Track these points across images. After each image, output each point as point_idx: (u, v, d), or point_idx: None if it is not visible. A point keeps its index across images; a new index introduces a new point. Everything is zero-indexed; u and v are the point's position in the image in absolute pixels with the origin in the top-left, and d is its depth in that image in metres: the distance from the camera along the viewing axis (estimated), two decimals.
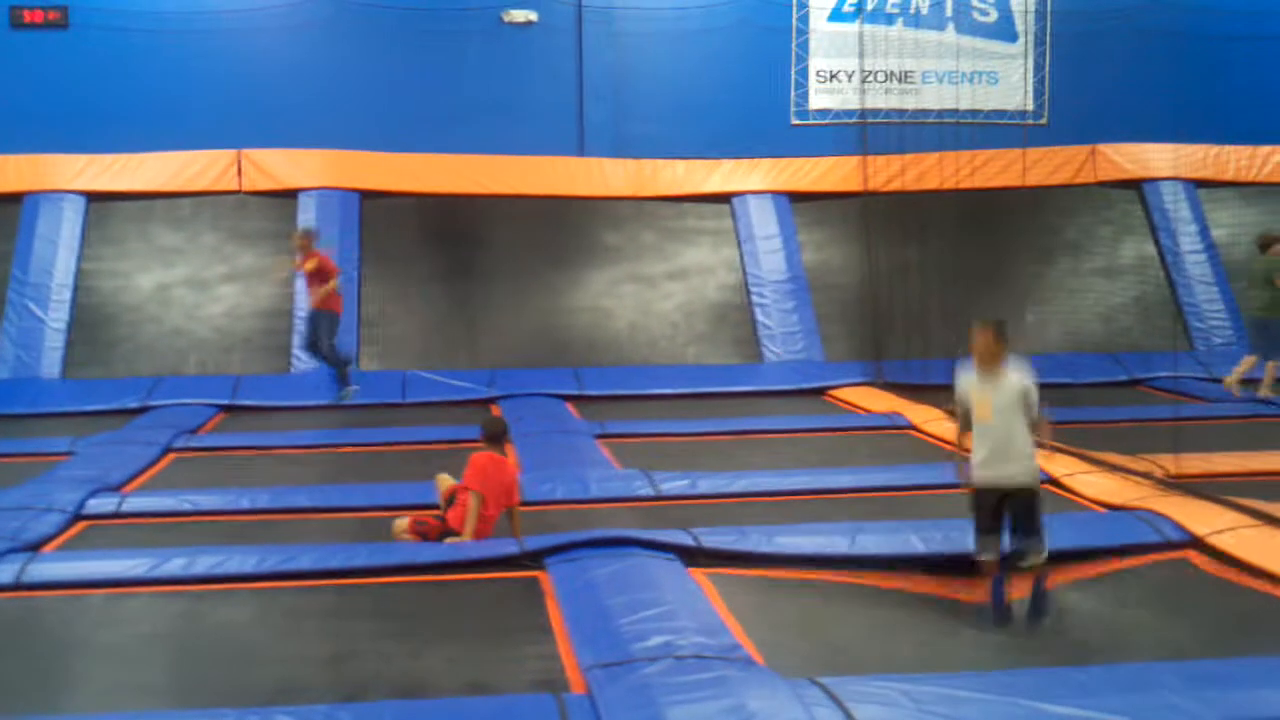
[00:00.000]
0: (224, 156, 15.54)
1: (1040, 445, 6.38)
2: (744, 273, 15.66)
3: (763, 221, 15.94)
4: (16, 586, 6.44)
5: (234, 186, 15.56)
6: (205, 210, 15.47)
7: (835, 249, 16.08)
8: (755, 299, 15.42)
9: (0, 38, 15.67)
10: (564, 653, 5.45)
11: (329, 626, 5.95)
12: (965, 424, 6.35)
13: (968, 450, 6.32)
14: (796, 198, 16.25)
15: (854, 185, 15.96)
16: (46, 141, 15.33)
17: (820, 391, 13.84)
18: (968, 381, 6.29)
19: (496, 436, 7.63)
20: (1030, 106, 17.05)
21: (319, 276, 13.05)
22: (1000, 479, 6.15)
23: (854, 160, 16.11)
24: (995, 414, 6.14)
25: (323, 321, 13.12)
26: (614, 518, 7.76)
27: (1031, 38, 17.05)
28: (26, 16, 15.70)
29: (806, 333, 15.16)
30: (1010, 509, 6.16)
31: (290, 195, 15.53)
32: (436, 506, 7.65)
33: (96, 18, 15.72)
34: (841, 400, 13.36)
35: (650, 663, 5.01)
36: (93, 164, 15.40)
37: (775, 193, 16.19)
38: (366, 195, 15.67)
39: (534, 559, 6.71)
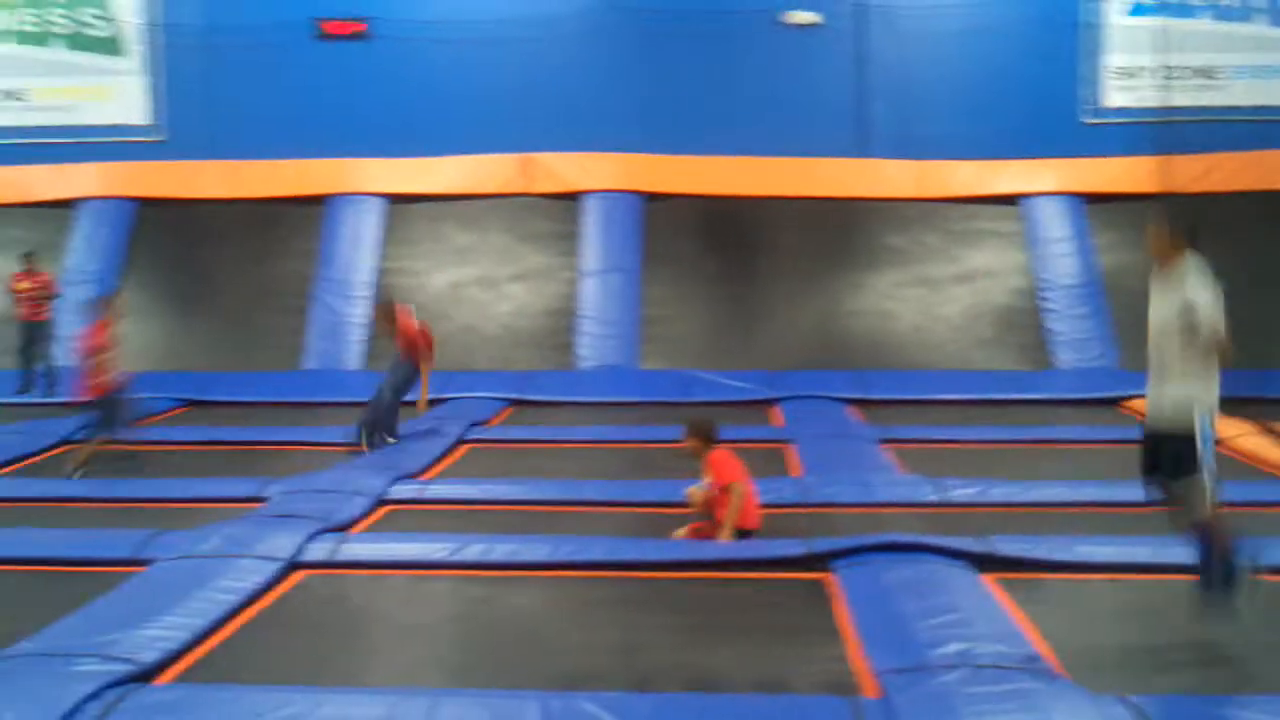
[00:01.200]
0: (512, 160, 16.07)
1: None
2: (1033, 276, 15.09)
3: (1054, 223, 15.33)
4: (328, 565, 6.82)
5: (522, 189, 16.07)
6: (495, 211, 16.04)
7: (1132, 252, 15.26)
8: (1045, 304, 14.85)
9: (306, 48, 16.68)
10: (854, 656, 5.35)
11: (619, 617, 6.04)
12: None
13: None
14: (1090, 199, 15.55)
15: (1152, 186, 15.13)
16: (349, 146, 16.26)
17: (1114, 401, 13.16)
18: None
19: (714, 434, 7.53)
20: None
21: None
22: (1150, 419, 5.33)
23: (1151, 160, 15.27)
24: (1151, 330, 5.29)
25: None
26: (900, 523, 7.57)
27: None
28: (331, 29, 16.67)
29: (1100, 339, 14.48)
30: (1161, 453, 5.37)
31: (575, 197, 15.93)
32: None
33: (395, 29, 16.57)
34: (1138, 411, 12.67)
35: (948, 670, 4.87)
36: (391, 167, 16.22)
37: (1067, 194, 15.55)
38: (649, 197, 15.91)
39: (821, 561, 6.63)
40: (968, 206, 15.68)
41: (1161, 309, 5.30)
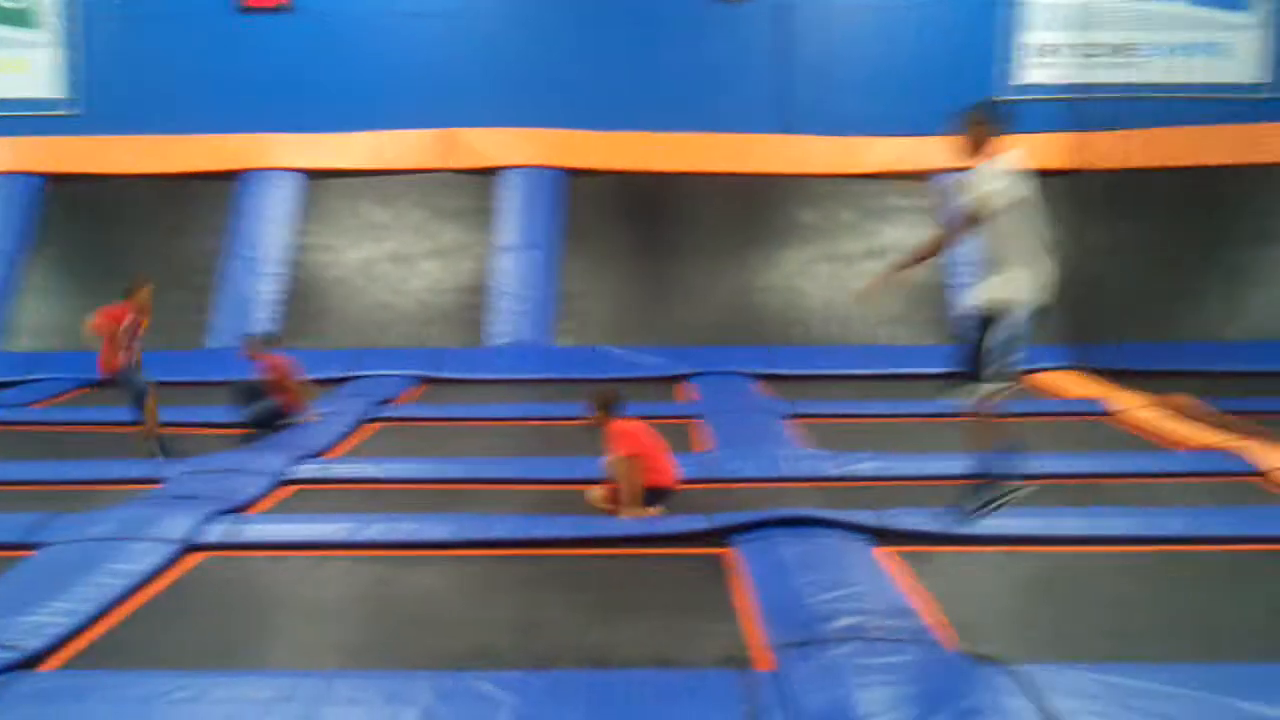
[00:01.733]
0: (431, 135, 15.93)
1: None
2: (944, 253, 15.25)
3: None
4: (226, 546, 6.74)
5: (441, 164, 15.93)
6: (413, 187, 15.90)
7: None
8: (954, 280, 15.02)
9: (227, 21, 16.37)
10: (750, 630, 5.40)
11: (520, 596, 6.04)
12: None
13: None
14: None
15: (1066, 163, 15.37)
16: (268, 121, 16.00)
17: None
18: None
19: (616, 406, 7.58)
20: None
21: None
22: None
23: (1066, 137, 15.50)
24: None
25: None
26: (802, 497, 7.63)
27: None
28: (252, 2, 16.38)
29: None
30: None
31: (494, 173, 15.84)
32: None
33: (317, 2, 16.30)
34: (1041, 385, 12.91)
35: (839, 643, 4.94)
36: (308, 142, 16.00)
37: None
38: (569, 172, 15.86)
39: (721, 536, 6.68)
40: (883, 182, 15.81)
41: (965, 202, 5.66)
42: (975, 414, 5.79)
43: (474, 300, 15.02)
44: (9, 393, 12.89)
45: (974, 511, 5.92)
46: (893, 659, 4.75)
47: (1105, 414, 10.97)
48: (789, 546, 6.31)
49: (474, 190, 15.84)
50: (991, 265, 5.66)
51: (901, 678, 4.59)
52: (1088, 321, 13.90)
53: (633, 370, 13.44)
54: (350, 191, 15.95)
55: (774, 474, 8.39)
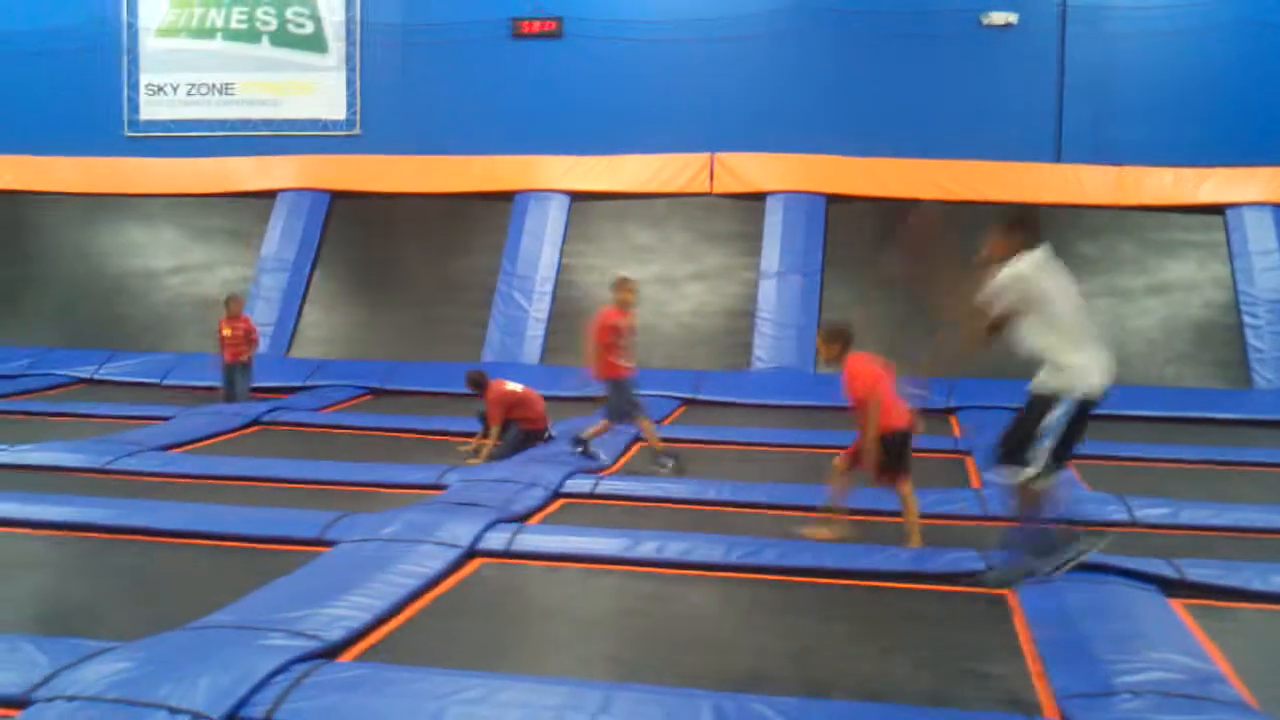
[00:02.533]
0: (697, 160, 16.12)
1: None
2: (1235, 290, 14.43)
3: (1260, 235, 14.63)
4: (506, 554, 6.94)
5: (706, 189, 16.10)
6: (678, 211, 16.10)
7: None
8: (1247, 319, 14.19)
9: (501, 46, 17.03)
10: (1035, 676, 5.19)
11: (792, 622, 5.99)
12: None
13: None
14: None
15: None
16: (536, 144, 16.54)
17: None
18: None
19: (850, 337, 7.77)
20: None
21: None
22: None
23: None
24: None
25: None
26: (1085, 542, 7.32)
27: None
28: (526, 28, 16.98)
29: None
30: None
31: (759, 198, 15.89)
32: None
33: (586, 28, 16.78)
34: None
35: (1134, 696, 4.68)
36: (577, 165, 16.45)
37: (1277, 204, 14.81)
38: (832, 199, 15.75)
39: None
40: (1166, 215, 15.10)
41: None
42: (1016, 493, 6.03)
43: (737, 324, 15.08)
44: (297, 398, 13.64)
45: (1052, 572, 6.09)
46: (1194, 717, 4.48)
47: None
48: (1075, 592, 6.05)
49: (739, 215, 15.95)
50: (1048, 352, 5.98)
51: None
52: None
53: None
54: (617, 213, 16.26)
55: (1053, 515, 8.06)
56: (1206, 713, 4.51)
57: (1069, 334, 5.95)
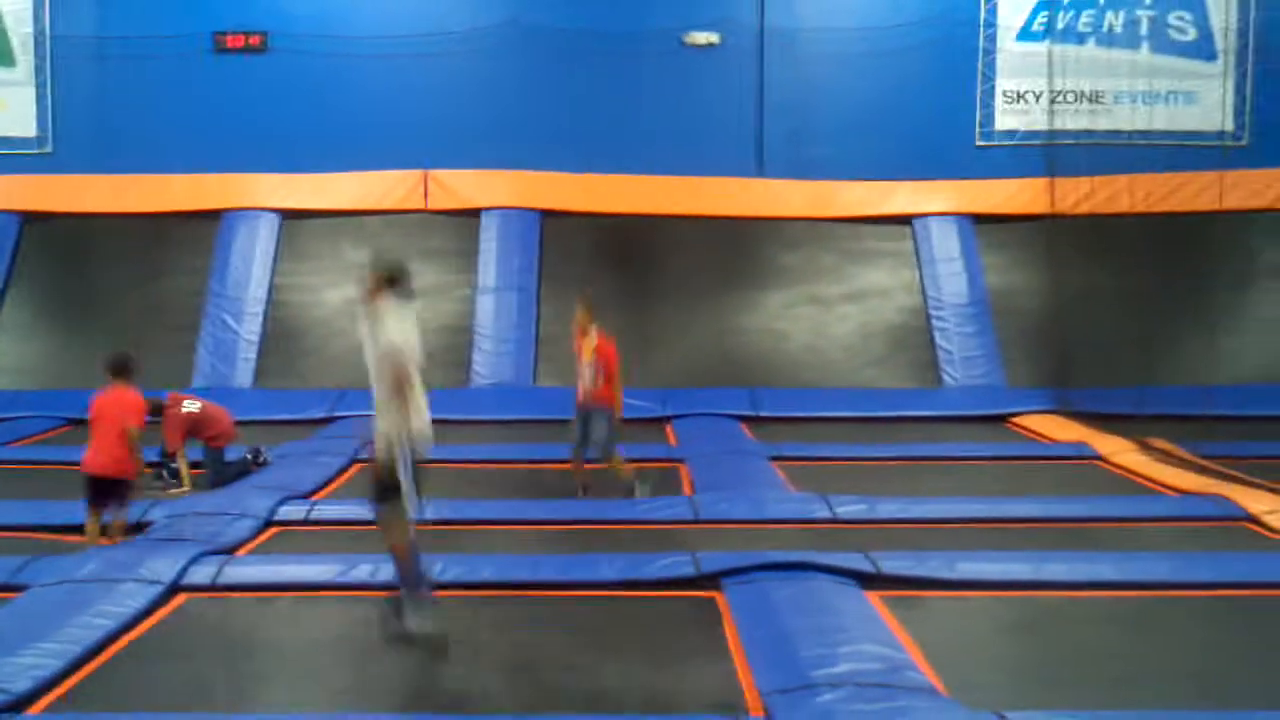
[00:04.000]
0: (411, 176, 15.98)
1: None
2: (924, 296, 15.36)
3: (945, 244, 15.63)
4: (212, 588, 6.69)
5: (420, 205, 15.97)
6: (392, 228, 15.89)
7: (1020, 273, 15.66)
8: (935, 323, 15.12)
9: (204, 61, 16.42)
10: (742, 675, 5.39)
11: (508, 637, 6.02)
12: None
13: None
14: (980, 220, 15.88)
15: (1040, 208, 15.56)
16: (244, 161, 16.01)
17: (1002, 419, 13.47)
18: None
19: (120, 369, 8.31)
20: (1230, 127, 16.23)
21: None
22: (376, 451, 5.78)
23: (1040, 182, 15.71)
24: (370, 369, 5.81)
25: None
26: (790, 539, 7.65)
27: (1233, 56, 16.30)
28: (229, 42, 16.43)
29: (988, 358, 14.79)
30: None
31: (474, 214, 15.87)
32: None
33: (293, 43, 16.37)
34: (1024, 428, 12.98)
35: (831, 689, 4.93)
36: (287, 183, 16.01)
37: (958, 214, 15.87)
38: (547, 214, 15.91)
39: (711, 580, 6.67)
40: (860, 226, 15.92)
41: (369, 348, 5.77)
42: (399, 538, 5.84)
43: (456, 340, 14.99)
44: None
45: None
46: (886, 704, 4.75)
47: (1092, 458, 11.02)
48: (779, 590, 6.32)
49: (454, 231, 15.88)
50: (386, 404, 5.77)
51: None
52: (1065, 365, 14.02)
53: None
54: (330, 232, 15.93)
55: (760, 516, 8.41)
56: (896, 699, 4.78)
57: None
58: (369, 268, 5.85)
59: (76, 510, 8.61)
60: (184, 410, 10.11)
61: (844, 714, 4.66)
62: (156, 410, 10.07)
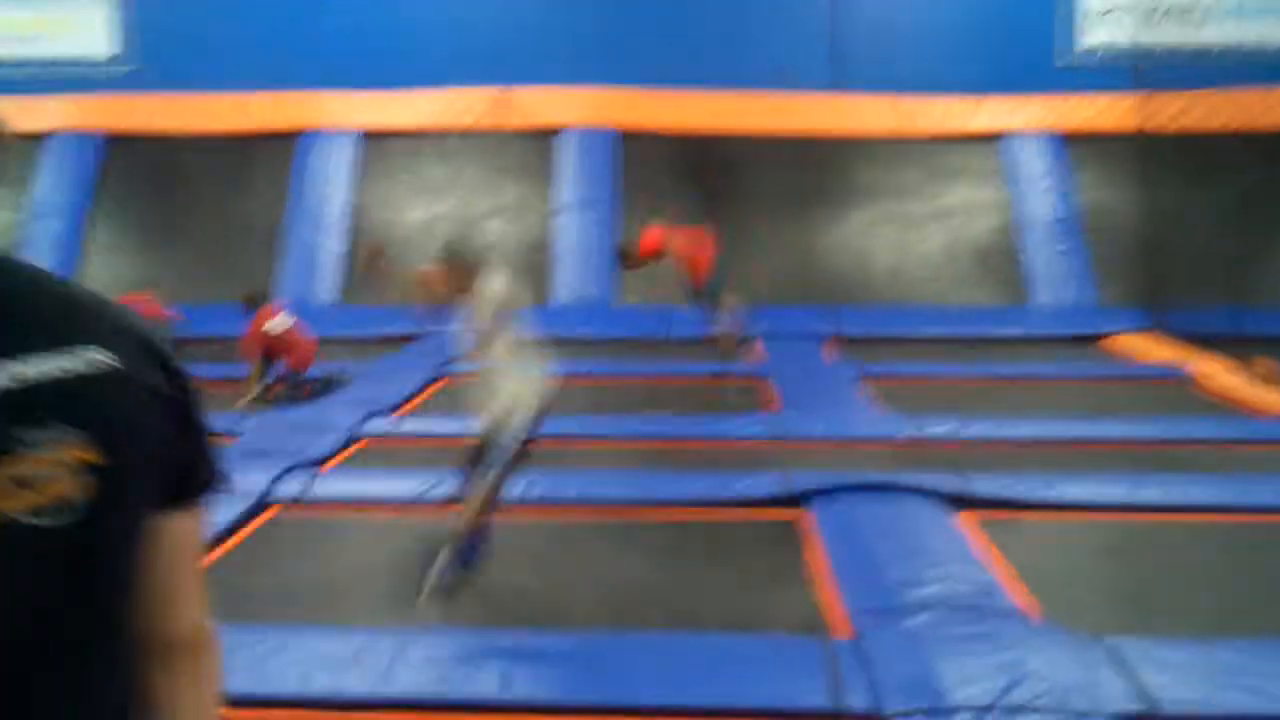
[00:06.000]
0: (488, 93, 15.82)
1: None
2: (1012, 213, 15.00)
3: (1033, 160, 15.22)
4: (301, 501, 6.75)
5: (497, 123, 15.83)
6: (471, 146, 15.81)
7: (1112, 190, 15.21)
8: (1024, 241, 14.78)
9: None
10: (828, 596, 5.32)
11: (592, 556, 6.01)
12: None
13: None
14: (1070, 137, 15.42)
15: (1132, 124, 15.04)
16: (323, 78, 15.96)
17: (1093, 338, 13.16)
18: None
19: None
20: None
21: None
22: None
23: (1132, 98, 15.17)
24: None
25: None
26: (876, 460, 7.54)
27: None
28: None
29: (1079, 277, 14.44)
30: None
31: (551, 132, 15.72)
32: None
33: None
34: (1116, 348, 12.68)
35: (921, 611, 4.83)
36: (366, 100, 15.96)
37: (1046, 131, 15.41)
38: (624, 132, 15.71)
39: (795, 500, 6.59)
40: (945, 144, 15.54)
41: (474, 324, 5.27)
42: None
43: (536, 259, 14.95)
44: None
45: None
46: (976, 629, 4.64)
47: (1187, 379, 10.72)
48: (867, 511, 6.22)
49: (532, 149, 15.74)
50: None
51: (986, 647, 4.47)
52: (1161, 284, 13.64)
53: (699, 329, 13.33)
54: (408, 150, 15.88)
55: (845, 434, 8.29)
56: (987, 623, 4.68)
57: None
58: (446, 259, 5.38)
59: None
60: (264, 330, 10.18)
61: (935, 638, 4.56)
62: (251, 302, 10.18)
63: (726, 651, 4.61)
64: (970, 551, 5.69)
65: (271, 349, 10.21)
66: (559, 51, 15.87)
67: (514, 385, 5.25)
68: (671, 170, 15.55)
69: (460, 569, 5.29)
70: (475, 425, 5.37)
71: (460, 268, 5.33)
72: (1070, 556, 6.07)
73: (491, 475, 5.24)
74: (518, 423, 5.23)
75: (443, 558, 5.26)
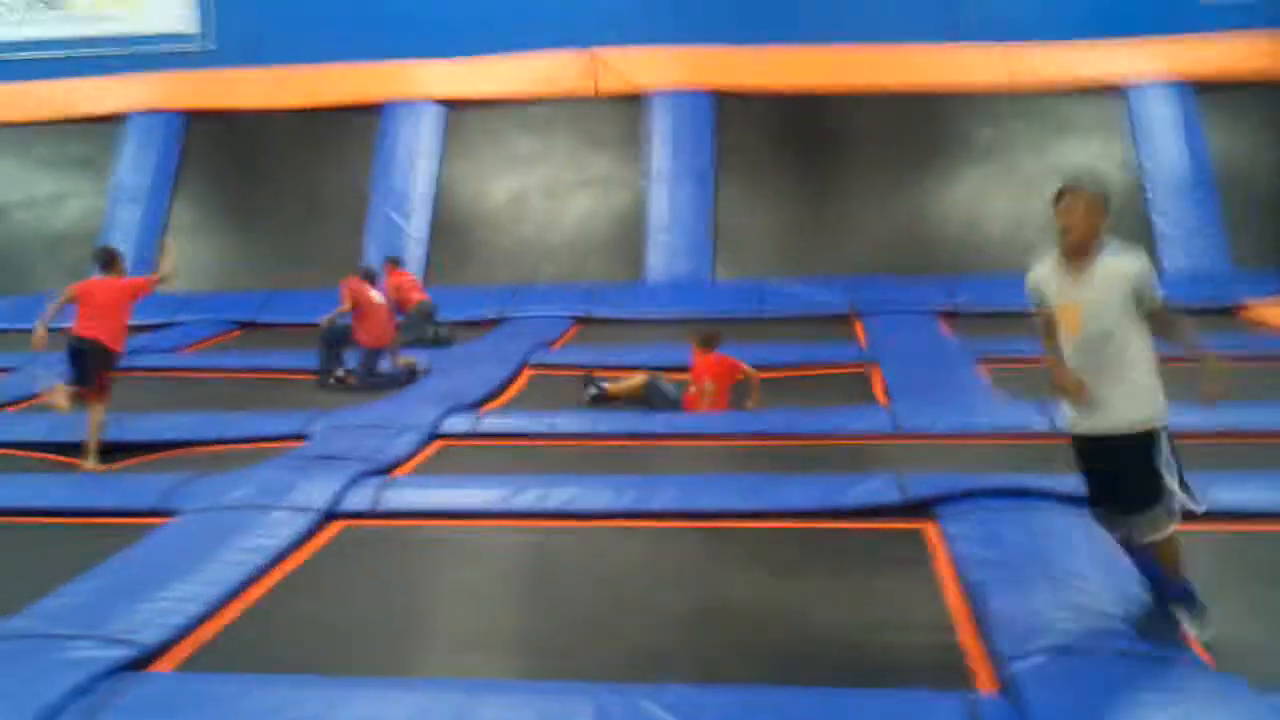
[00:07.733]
0: (578, 57, 15.09)
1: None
2: (1137, 171, 13.92)
3: (1160, 112, 14.09)
4: (370, 514, 6.16)
5: (588, 88, 15.09)
6: (558, 114, 15.14)
7: (1249, 142, 14.05)
8: (1150, 200, 13.72)
9: None
10: (963, 631, 4.55)
11: (691, 576, 5.34)
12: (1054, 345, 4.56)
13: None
14: (1201, 85, 14.23)
15: (1272, 69, 13.87)
16: (402, 47, 15.35)
17: (1229, 307, 12.10)
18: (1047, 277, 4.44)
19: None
20: None
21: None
22: (1095, 425, 4.34)
23: (1268, 38, 13.96)
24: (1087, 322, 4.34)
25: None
26: (1004, 457, 6.72)
27: None
28: None
29: (1212, 238, 13.36)
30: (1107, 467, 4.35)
31: (642, 96, 14.96)
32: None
33: None
34: (1258, 317, 11.63)
35: (1077, 655, 4.05)
36: (449, 68, 15.33)
37: (1175, 79, 14.24)
38: (720, 94, 14.87)
39: (920, 508, 5.81)
40: (1064, 95, 14.47)
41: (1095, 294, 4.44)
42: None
43: (629, 233, 14.28)
44: (153, 336, 12.43)
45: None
46: (1150, 682, 3.85)
47: None
48: (1004, 522, 5.40)
49: (622, 115, 15.03)
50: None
51: (1157, 700, 3.70)
52: None
53: (798, 306, 12.56)
54: (494, 120, 15.25)
55: (969, 429, 7.47)
56: (1168, 677, 3.88)
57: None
58: (1076, 189, 4.43)
59: (250, 422, 8.30)
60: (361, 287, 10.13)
61: (1093, 684, 3.80)
62: (369, 277, 10.34)
63: (842, 712, 3.87)
64: (1130, 575, 4.85)
65: (359, 302, 9.94)
66: (648, 8, 15.06)
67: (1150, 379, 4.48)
68: (769, 133, 14.73)
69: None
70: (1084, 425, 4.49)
71: (1098, 203, 4.40)
72: (1231, 576, 5.17)
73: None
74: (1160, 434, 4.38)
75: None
